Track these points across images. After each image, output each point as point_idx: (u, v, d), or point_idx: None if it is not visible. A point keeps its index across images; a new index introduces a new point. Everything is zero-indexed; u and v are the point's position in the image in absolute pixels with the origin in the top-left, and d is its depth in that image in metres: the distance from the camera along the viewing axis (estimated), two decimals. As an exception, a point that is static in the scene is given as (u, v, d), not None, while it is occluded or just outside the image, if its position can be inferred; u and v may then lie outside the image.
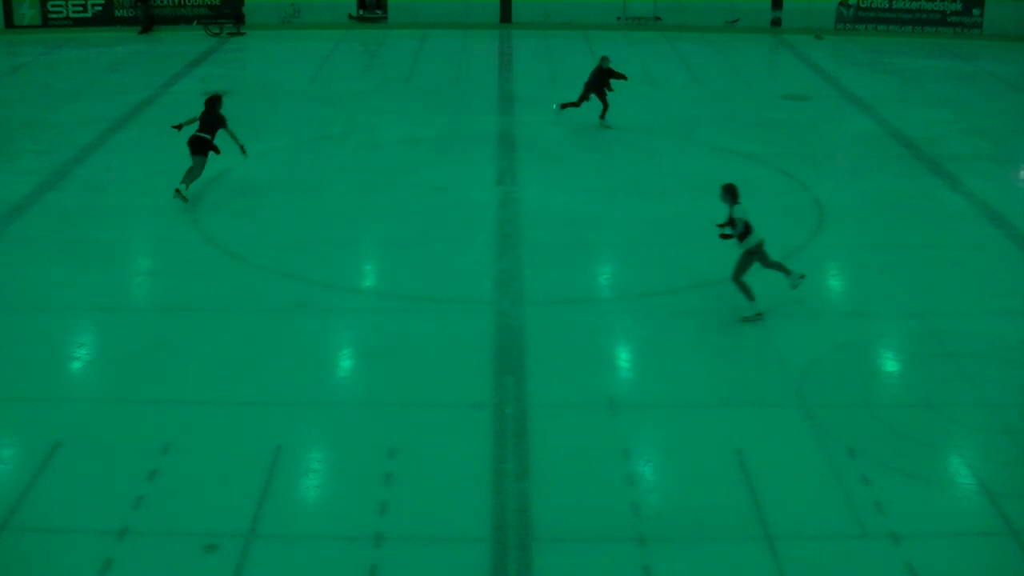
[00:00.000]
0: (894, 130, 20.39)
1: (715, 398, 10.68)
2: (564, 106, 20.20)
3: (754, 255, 11.96)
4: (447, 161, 18.28)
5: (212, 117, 15.52)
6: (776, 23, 31.02)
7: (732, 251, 12.09)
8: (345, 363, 11.52)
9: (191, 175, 15.55)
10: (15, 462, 9.50)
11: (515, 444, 9.74)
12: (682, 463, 9.61)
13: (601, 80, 19.70)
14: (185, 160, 15.59)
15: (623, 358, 11.75)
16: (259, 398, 10.54)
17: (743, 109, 22.09)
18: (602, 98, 19.91)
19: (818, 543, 8.52)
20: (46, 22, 29.75)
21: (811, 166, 18.00)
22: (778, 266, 12.23)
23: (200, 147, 15.48)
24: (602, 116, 20.05)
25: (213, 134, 15.52)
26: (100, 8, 29.99)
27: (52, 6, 29.76)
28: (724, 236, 12.04)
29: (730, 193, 11.99)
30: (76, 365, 11.29)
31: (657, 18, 31.21)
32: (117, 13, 30.04)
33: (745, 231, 11.81)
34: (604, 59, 19.85)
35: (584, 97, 19.89)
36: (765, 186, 17.11)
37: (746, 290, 12.03)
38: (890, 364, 11.72)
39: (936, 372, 11.20)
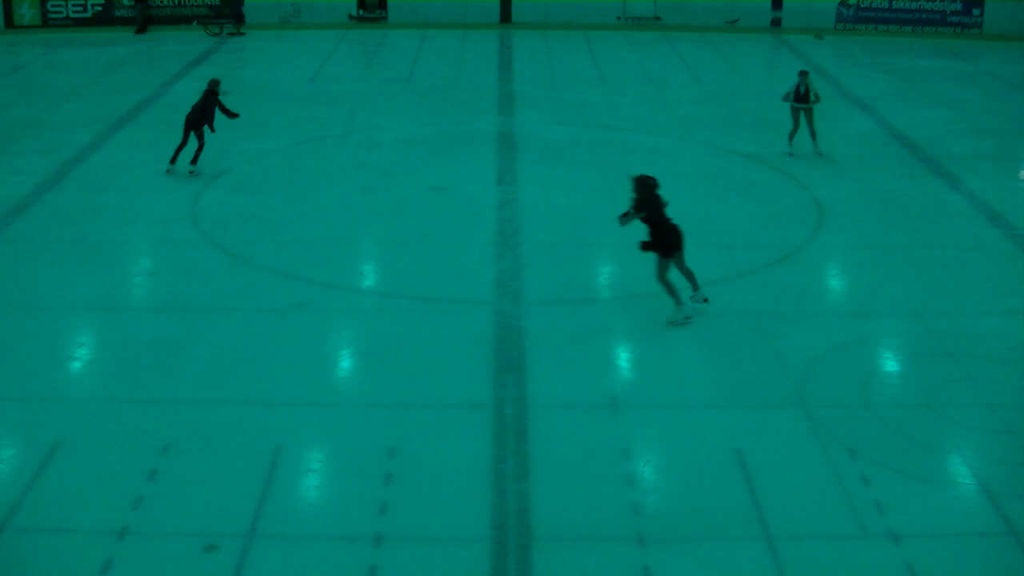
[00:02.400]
0: (894, 130, 20.38)
1: (715, 398, 10.66)
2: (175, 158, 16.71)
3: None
4: (447, 161, 18.27)
5: None
6: (776, 23, 31.02)
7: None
8: (345, 363, 11.51)
9: None
10: (15, 462, 9.49)
11: (515, 444, 9.73)
12: (682, 463, 9.60)
13: (205, 109, 16.41)
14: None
15: (623, 358, 11.74)
16: (259, 398, 10.53)
17: (743, 109, 22.08)
18: (200, 135, 16.51)
19: (818, 543, 8.51)
20: (46, 22, 29.78)
21: (811, 166, 17.99)
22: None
23: None
24: (194, 160, 16.68)
25: None
26: (100, 8, 30.02)
27: (52, 6, 29.78)
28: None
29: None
30: (76, 365, 11.28)
31: (657, 18, 31.23)
32: (117, 13, 30.07)
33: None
34: (214, 82, 16.74)
35: (185, 135, 16.54)
36: (765, 186, 17.13)
37: None
38: (890, 364, 11.71)
39: (936, 372, 11.19)
